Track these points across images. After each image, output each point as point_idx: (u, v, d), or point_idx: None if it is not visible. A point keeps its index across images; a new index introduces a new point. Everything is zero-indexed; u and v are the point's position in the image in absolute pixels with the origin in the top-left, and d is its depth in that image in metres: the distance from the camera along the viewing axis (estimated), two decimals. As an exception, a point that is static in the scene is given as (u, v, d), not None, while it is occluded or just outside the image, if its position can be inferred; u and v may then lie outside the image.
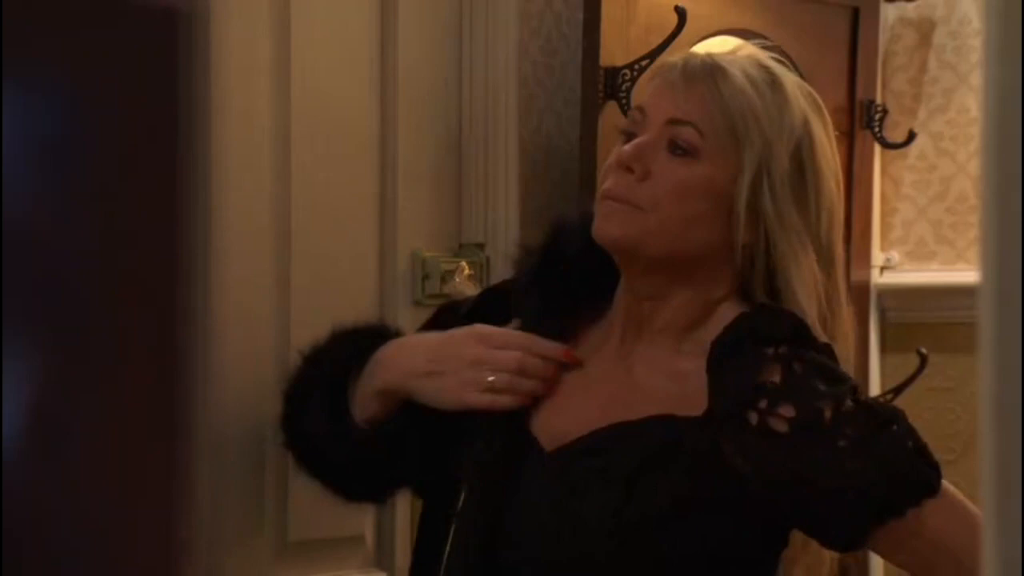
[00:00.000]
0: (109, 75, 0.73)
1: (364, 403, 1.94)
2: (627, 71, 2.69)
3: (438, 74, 2.69)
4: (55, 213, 0.71)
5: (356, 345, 1.99)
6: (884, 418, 1.67)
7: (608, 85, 2.69)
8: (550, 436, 1.80)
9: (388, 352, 1.94)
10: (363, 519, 2.63)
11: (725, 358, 1.69)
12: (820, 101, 1.86)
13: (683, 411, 1.70)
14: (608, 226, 1.78)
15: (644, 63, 2.71)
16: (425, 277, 2.67)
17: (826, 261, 1.81)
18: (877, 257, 3.46)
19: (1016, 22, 0.76)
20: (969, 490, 3.34)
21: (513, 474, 1.79)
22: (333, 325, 2.08)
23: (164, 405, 0.74)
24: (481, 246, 2.71)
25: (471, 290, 2.30)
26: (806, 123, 1.79)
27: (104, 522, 0.72)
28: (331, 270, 2.58)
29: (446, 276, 2.68)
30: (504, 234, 2.70)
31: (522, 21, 2.76)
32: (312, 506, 2.56)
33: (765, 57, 1.84)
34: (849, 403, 1.65)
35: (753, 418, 1.64)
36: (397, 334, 2.04)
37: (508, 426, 1.81)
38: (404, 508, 2.65)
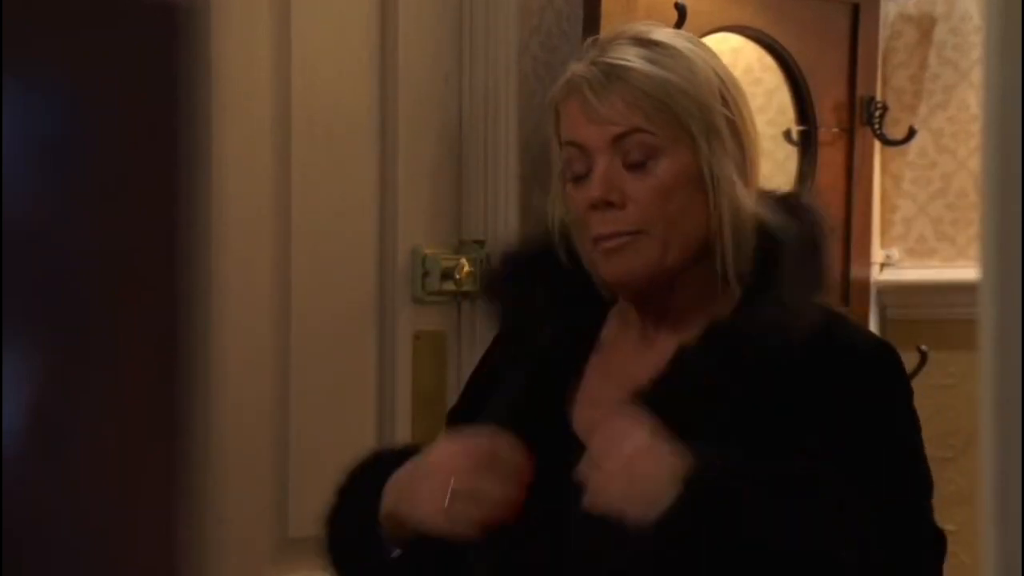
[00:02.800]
0: (109, 74, 0.73)
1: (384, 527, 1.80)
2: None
3: (438, 71, 2.69)
4: (55, 213, 0.71)
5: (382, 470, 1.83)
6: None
7: (608, 82, 2.69)
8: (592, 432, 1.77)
9: (398, 472, 1.80)
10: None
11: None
12: (699, 40, 1.87)
13: None
14: (620, 263, 1.76)
15: (644, 60, 2.71)
16: (425, 274, 2.67)
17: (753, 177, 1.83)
18: (877, 254, 3.46)
19: (1016, 19, 0.76)
20: (969, 487, 3.35)
21: (564, 484, 1.72)
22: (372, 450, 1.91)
23: (164, 405, 0.74)
24: (481, 243, 2.71)
25: None
26: (714, 70, 1.80)
27: (104, 522, 0.72)
28: (331, 267, 2.58)
29: (446, 273, 2.68)
30: (504, 231, 2.70)
31: (522, 18, 2.76)
32: (312, 503, 2.56)
33: (644, 31, 1.81)
34: None
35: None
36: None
37: (552, 429, 1.79)
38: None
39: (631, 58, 1.76)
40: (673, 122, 1.74)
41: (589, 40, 1.84)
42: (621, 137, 1.75)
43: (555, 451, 1.76)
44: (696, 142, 1.75)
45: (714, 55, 1.84)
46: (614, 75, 1.75)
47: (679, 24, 2.77)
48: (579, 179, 1.78)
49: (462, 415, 1.92)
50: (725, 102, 1.79)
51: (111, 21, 0.73)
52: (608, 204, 1.75)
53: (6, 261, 0.69)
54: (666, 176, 1.75)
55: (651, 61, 1.76)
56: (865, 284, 3.36)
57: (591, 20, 2.75)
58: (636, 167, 1.75)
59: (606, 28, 2.72)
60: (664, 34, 1.82)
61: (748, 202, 1.78)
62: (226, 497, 2.35)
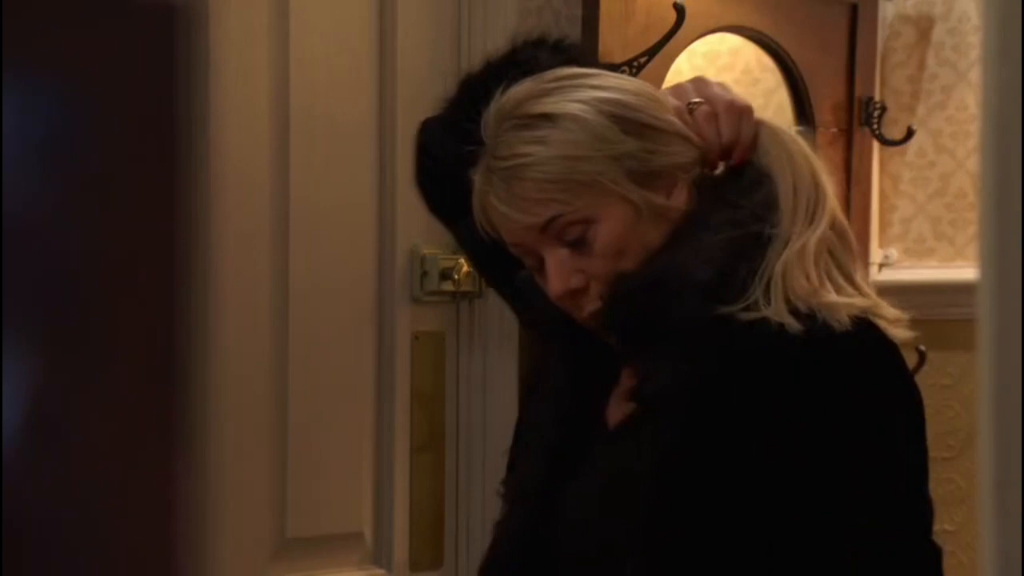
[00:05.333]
0: (109, 74, 0.74)
1: None
2: (626, 68, 2.69)
3: (436, 71, 2.70)
4: (55, 213, 0.71)
5: None
6: None
7: (607, 82, 2.69)
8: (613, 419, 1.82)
9: None
10: (362, 516, 2.63)
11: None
12: (581, 74, 1.80)
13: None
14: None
15: (643, 60, 2.71)
16: (423, 274, 2.67)
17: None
18: (876, 254, 3.47)
19: (1015, 19, 0.76)
20: (968, 487, 3.35)
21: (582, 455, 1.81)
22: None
23: (163, 405, 0.74)
24: (480, 243, 2.71)
25: None
26: (604, 105, 1.76)
27: (104, 522, 0.72)
28: (330, 267, 2.58)
29: (444, 273, 2.68)
30: (503, 231, 2.70)
31: (521, 18, 2.76)
32: (311, 503, 2.56)
33: (524, 102, 1.77)
34: None
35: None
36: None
37: (592, 425, 1.83)
38: (403, 507, 2.65)
39: (520, 149, 1.74)
40: (588, 190, 1.73)
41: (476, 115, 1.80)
42: (547, 226, 1.74)
43: (592, 444, 1.81)
44: (619, 188, 1.74)
45: (601, 83, 1.79)
46: (513, 177, 1.74)
47: (678, 24, 2.77)
48: (533, 267, 1.81)
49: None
50: (627, 128, 1.75)
51: (111, 21, 0.73)
52: (574, 292, 1.77)
53: (6, 261, 0.69)
54: (609, 240, 1.74)
55: (540, 142, 1.73)
56: (864, 284, 3.36)
57: (590, 21, 2.76)
58: (578, 243, 1.75)
59: (604, 29, 2.72)
60: (546, 102, 1.76)
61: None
62: (225, 497, 2.35)
